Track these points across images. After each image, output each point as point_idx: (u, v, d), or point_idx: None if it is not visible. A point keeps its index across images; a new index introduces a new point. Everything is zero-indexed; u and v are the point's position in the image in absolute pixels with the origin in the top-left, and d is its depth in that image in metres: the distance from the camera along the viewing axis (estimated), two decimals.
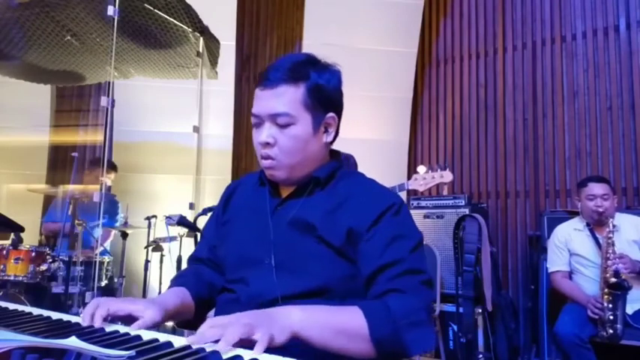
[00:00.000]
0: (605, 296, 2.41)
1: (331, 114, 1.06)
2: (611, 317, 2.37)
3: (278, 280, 0.99)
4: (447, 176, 2.76)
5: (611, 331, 2.37)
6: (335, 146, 1.15)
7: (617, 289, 2.37)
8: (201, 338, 0.73)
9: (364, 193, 1.04)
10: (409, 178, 2.96)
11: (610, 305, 2.38)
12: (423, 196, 3.98)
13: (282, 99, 1.00)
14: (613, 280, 2.38)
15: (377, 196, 1.04)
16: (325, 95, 1.04)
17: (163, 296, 1.04)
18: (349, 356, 0.87)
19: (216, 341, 0.72)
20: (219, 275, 1.15)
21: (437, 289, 3.05)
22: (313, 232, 1.00)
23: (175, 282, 1.12)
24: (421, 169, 2.81)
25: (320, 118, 1.04)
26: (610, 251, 2.46)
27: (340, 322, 0.87)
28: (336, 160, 1.12)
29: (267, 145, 1.02)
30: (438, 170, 2.79)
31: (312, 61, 1.05)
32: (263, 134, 1.02)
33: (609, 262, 2.44)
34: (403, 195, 3.97)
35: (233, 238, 1.12)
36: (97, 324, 0.85)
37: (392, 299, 0.91)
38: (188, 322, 1.10)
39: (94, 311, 0.87)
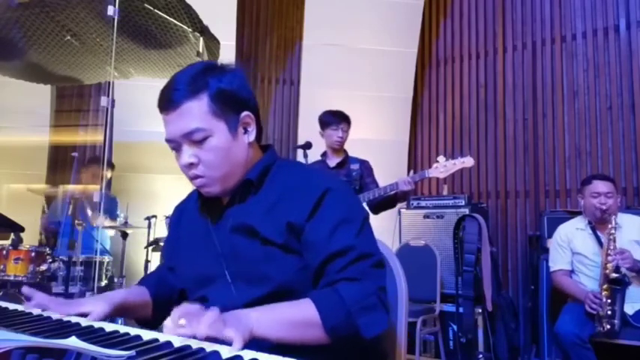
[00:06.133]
0: (605, 292, 2.41)
1: (245, 113, 1.03)
2: (609, 312, 2.37)
3: (237, 292, 1.00)
4: (469, 161, 2.74)
5: (608, 326, 2.36)
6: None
7: (617, 284, 2.37)
8: (173, 329, 0.77)
9: (298, 184, 1.02)
10: None
11: (609, 300, 2.38)
12: (423, 196, 3.98)
13: (190, 116, 0.97)
14: (613, 275, 2.38)
15: (310, 184, 1.02)
16: (231, 97, 1.01)
17: (112, 292, 1.12)
18: (306, 346, 0.88)
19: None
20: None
21: (437, 289, 3.05)
22: (256, 235, 0.99)
23: (138, 283, 1.21)
24: (441, 158, 2.79)
25: (234, 121, 1.02)
26: (611, 247, 2.46)
27: (293, 316, 0.89)
28: (268, 156, 1.09)
29: (191, 165, 1.00)
30: (459, 157, 2.78)
31: (208, 68, 1.02)
32: (184, 157, 0.99)
33: (609, 258, 2.44)
34: None
35: (185, 258, 1.13)
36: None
37: (343, 287, 0.92)
38: (147, 320, 1.16)
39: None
